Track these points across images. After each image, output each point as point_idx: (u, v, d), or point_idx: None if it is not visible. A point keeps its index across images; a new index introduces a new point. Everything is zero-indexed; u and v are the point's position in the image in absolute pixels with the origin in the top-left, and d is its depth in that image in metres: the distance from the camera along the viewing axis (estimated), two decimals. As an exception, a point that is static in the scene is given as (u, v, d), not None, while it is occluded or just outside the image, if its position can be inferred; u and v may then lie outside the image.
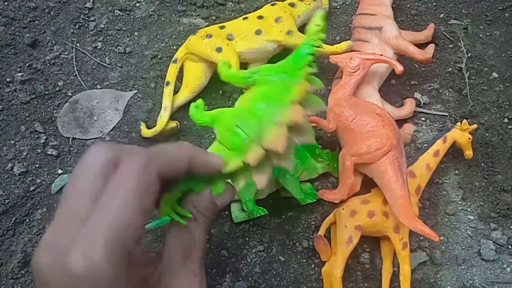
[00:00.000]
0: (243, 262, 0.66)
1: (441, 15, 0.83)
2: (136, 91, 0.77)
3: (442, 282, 0.65)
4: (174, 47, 0.80)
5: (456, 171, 0.72)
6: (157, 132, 0.71)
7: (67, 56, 0.79)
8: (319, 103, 0.51)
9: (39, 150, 0.72)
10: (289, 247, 0.66)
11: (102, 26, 0.82)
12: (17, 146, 0.72)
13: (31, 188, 0.69)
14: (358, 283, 0.65)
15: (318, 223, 0.67)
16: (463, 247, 0.67)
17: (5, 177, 0.69)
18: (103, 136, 0.73)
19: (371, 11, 0.74)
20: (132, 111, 0.76)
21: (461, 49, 0.76)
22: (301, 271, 0.65)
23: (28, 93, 0.75)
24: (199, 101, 0.49)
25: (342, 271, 0.60)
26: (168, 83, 0.73)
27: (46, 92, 0.76)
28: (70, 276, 0.28)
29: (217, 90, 0.77)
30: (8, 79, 0.76)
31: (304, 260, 0.66)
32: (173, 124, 0.72)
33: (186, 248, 0.40)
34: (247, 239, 0.67)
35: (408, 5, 0.84)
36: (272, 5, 0.76)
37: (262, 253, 0.66)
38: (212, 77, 0.75)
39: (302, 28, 0.77)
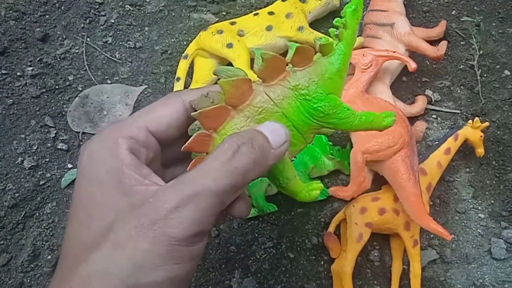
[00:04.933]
0: (252, 258, 0.65)
1: (453, 12, 0.83)
2: (146, 86, 0.77)
3: (452, 280, 0.65)
4: (185, 43, 0.80)
5: (467, 169, 0.71)
6: (167, 127, 0.71)
7: (77, 51, 0.79)
8: None
9: (49, 144, 0.72)
10: (298, 243, 0.66)
11: (113, 21, 0.82)
12: (27, 140, 0.72)
13: (41, 182, 0.69)
14: (367, 281, 0.65)
15: (327, 220, 0.66)
16: (474, 245, 0.67)
17: (15, 171, 0.70)
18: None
19: (383, 7, 0.74)
20: (142, 106, 0.76)
21: (473, 47, 0.76)
22: (310, 268, 0.65)
23: (39, 87, 0.75)
24: None
25: (352, 268, 0.60)
26: (178, 79, 0.72)
27: (57, 87, 0.76)
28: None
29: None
30: (18, 73, 0.76)
31: (314, 257, 0.66)
32: (183, 119, 0.72)
33: None
34: (256, 235, 0.67)
35: (420, 2, 0.84)
36: (283, 1, 0.76)
37: (271, 249, 0.66)
38: (222, 72, 0.75)
39: (313, 24, 0.77)
